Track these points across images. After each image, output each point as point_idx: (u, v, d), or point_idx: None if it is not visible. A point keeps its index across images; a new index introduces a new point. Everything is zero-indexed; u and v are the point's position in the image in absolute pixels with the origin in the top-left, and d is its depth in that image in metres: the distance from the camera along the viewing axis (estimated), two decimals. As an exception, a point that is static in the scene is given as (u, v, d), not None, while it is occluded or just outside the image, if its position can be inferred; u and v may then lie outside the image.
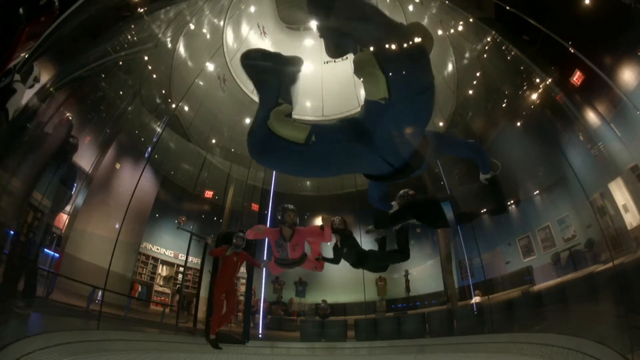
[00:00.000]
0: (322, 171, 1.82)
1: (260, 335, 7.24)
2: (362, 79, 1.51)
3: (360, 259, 4.27)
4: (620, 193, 4.20)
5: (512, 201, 7.05)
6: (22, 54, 2.76)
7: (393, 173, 1.77)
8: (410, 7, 8.40)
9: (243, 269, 6.98)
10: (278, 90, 1.71)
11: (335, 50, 1.78)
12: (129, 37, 5.73)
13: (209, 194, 9.43)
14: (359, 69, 1.51)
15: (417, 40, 1.50)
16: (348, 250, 4.22)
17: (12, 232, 4.07)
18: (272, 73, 1.73)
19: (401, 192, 3.66)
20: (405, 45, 1.45)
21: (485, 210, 3.55)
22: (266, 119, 1.57)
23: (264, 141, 1.53)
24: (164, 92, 7.80)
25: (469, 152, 2.56)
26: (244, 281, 7.81)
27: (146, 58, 6.83)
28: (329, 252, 4.47)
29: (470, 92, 7.79)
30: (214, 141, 9.58)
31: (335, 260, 4.39)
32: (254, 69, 1.79)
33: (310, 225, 4.23)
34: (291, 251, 3.94)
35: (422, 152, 1.76)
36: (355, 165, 1.78)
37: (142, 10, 5.39)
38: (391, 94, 1.42)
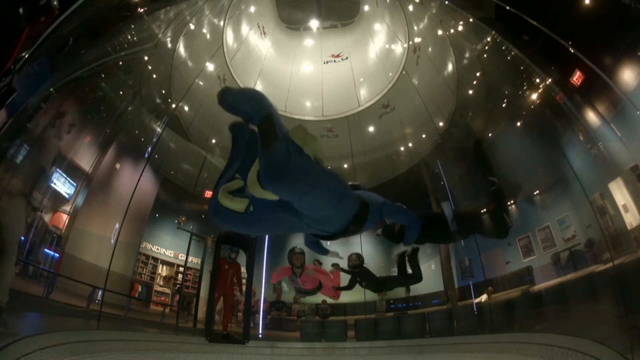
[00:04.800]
0: (262, 231, 2.16)
1: (260, 335, 7.23)
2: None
3: (378, 287, 4.48)
4: (620, 193, 4.20)
5: (512, 201, 7.09)
6: (22, 54, 2.76)
7: (329, 235, 2.06)
8: (410, 7, 8.41)
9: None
10: (238, 168, 1.97)
11: None
12: (129, 37, 5.73)
13: (209, 194, 9.42)
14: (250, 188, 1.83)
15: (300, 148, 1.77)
16: (366, 283, 4.42)
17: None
18: (243, 149, 1.98)
19: None
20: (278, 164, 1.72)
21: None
22: (216, 192, 1.90)
23: (215, 207, 1.89)
24: (164, 92, 7.80)
25: (408, 221, 2.78)
26: (244, 281, 7.81)
27: (146, 58, 6.83)
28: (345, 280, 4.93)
29: (470, 92, 7.79)
30: (214, 141, 9.57)
31: (349, 288, 4.64)
32: (236, 134, 2.05)
33: (319, 268, 4.70)
34: (302, 284, 4.59)
35: (357, 224, 2.02)
36: (293, 228, 2.06)
37: (142, 10, 5.39)
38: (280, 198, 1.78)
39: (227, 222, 1.94)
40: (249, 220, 1.86)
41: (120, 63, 5.92)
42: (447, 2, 6.87)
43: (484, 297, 6.79)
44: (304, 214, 1.85)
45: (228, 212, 1.83)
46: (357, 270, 4.50)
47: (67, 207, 5.60)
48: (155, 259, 8.81)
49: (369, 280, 4.36)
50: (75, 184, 5.59)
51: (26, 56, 2.83)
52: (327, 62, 10.44)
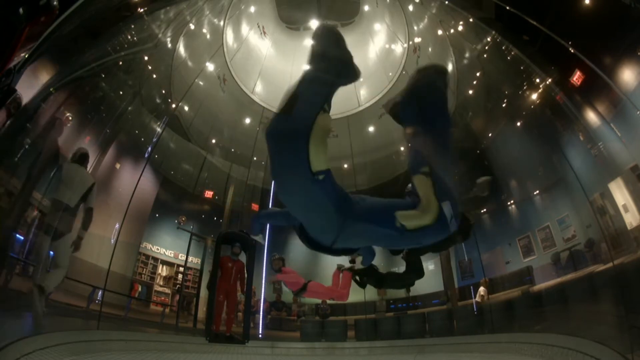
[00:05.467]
0: (294, 204, 1.73)
1: (260, 335, 7.23)
2: None
3: (378, 283, 4.46)
4: (620, 193, 4.20)
5: (512, 201, 7.10)
6: (22, 54, 2.76)
7: (324, 249, 1.86)
8: (410, 7, 8.41)
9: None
10: (330, 93, 1.52)
11: None
12: (129, 37, 5.73)
13: (209, 194, 9.43)
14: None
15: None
16: (367, 279, 4.42)
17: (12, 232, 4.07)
18: (336, 71, 1.49)
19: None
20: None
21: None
22: (308, 120, 1.42)
23: (296, 138, 1.44)
24: (164, 92, 7.81)
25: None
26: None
27: (146, 58, 6.83)
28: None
29: (470, 92, 7.79)
30: (214, 141, 9.58)
31: (361, 285, 4.65)
32: (328, 53, 1.49)
33: (286, 269, 4.82)
34: (288, 286, 4.77)
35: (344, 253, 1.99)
36: (312, 220, 1.75)
37: (142, 10, 5.39)
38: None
39: (282, 162, 1.47)
40: (302, 186, 1.46)
41: (120, 63, 5.92)
42: (447, 2, 6.88)
43: (481, 290, 6.80)
44: (350, 230, 1.62)
45: (300, 155, 1.39)
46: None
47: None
48: (155, 259, 8.81)
49: (370, 275, 4.37)
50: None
51: (26, 56, 2.83)
52: (326, 62, 10.43)
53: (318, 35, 1.52)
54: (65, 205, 4.07)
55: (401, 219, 1.51)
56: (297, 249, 9.03)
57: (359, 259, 4.54)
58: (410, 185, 2.37)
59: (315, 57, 1.49)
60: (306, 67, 1.49)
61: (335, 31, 1.54)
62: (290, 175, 1.51)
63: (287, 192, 1.66)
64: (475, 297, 7.04)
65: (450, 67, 7.98)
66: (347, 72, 1.50)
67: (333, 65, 1.47)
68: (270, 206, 8.57)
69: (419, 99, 1.61)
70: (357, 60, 1.49)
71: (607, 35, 3.99)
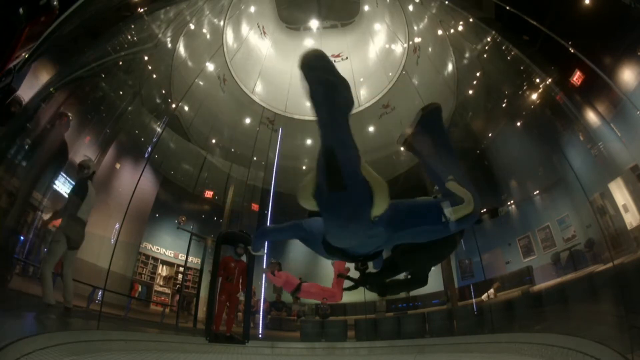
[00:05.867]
0: (341, 243, 1.83)
1: (260, 335, 7.23)
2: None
3: (382, 290, 4.44)
4: (620, 193, 4.21)
5: (511, 201, 7.09)
6: (22, 54, 2.77)
7: (359, 257, 1.96)
8: (410, 7, 8.41)
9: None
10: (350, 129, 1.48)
11: None
12: (129, 37, 5.74)
13: (209, 194, 9.43)
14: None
15: None
16: (371, 286, 4.40)
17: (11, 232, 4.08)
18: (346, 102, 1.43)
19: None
20: None
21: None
22: (362, 183, 1.49)
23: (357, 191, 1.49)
24: (164, 92, 7.81)
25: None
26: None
27: (146, 58, 6.83)
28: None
29: (470, 92, 7.79)
30: (214, 141, 9.58)
31: (354, 287, 4.62)
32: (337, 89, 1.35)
33: (278, 273, 4.99)
34: (283, 287, 5.05)
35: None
36: (361, 244, 1.81)
37: (142, 10, 5.40)
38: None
39: (345, 228, 1.57)
40: (359, 231, 1.58)
41: (120, 63, 5.92)
42: (447, 2, 6.88)
43: (491, 292, 6.76)
44: (395, 237, 1.76)
45: (364, 219, 1.49)
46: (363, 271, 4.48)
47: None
48: (155, 259, 8.81)
49: (373, 282, 4.35)
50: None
51: (26, 56, 2.83)
52: (327, 62, 10.42)
53: (316, 68, 1.30)
54: (84, 222, 4.48)
55: (449, 214, 1.68)
56: (296, 249, 9.04)
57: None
58: (435, 189, 2.50)
59: (330, 94, 1.33)
60: (324, 115, 1.35)
61: (323, 55, 1.36)
62: (349, 232, 1.64)
63: (340, 241, 1.79)
64: (479, 297, 7.03)
65: (450, 67, 7.99)
66: (350, 99, 1.43)
67: (345, 97, 1.38)
68: (270, 207, 8.59)
69: (426, 129, 1.87)
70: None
71: (607, 35, 3.99)
